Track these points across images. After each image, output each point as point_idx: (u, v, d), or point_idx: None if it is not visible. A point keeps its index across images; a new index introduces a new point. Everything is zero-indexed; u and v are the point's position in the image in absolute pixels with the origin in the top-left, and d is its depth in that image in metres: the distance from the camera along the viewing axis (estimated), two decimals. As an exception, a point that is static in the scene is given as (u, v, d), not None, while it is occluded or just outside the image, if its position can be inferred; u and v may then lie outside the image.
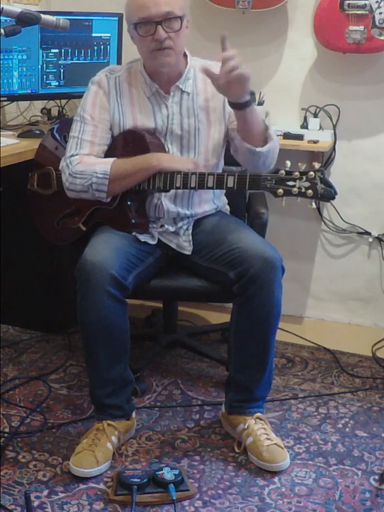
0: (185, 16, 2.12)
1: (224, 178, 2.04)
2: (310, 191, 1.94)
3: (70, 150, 2.19)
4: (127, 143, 2.19)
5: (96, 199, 2.17)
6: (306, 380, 2.59)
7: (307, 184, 1.94)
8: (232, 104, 2.05)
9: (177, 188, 2.10)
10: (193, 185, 2.07)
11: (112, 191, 2.14)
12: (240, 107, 2.04)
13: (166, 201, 2.23)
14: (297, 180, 1.95)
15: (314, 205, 2.01)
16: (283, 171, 1.96)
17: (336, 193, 1.95)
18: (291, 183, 1.95)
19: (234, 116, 2.15)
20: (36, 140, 2.51)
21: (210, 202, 2.34)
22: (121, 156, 2.16)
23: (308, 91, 2.90)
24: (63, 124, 2.51)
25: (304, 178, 1.94)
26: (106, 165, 2.12)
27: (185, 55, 2.22)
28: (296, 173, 1.94)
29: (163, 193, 2.21)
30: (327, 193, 1.94)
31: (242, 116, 2.07)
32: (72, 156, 2.18)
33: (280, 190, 1.96)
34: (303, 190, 1.94)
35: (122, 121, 2.21)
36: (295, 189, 1.95)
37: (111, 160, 2.14)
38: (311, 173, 1.93)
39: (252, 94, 2.79)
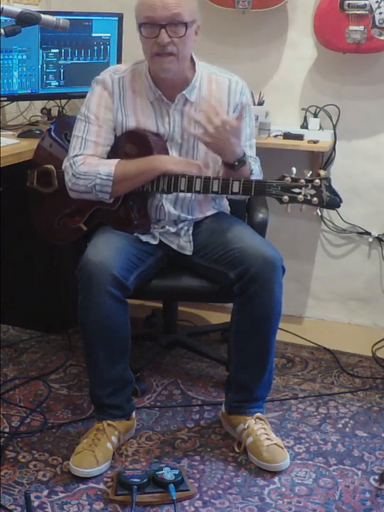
0: (195, 22, 2.09)
1: (229, 184, 2.03)
2: (315, 199, 1.93)
3: (74, 150, 2.18)
4: (131, 144, 2.17)
5: (99, 200, 2.16)
6: (306, 380, 2.59)
7: (313, 192, 1.94)
8: (224, 163, 2.08)
9: (181, 191, 2.09)
10: (197, 189, 2.06)
11: (115, 193, 2.13)
12: (229, 166, 2.07)
13: (167, 204, 2.23)
14: (303, 188, 1.94)
15: (319, 212, 2.00)
16: (289, 178, 1.95)
17: (341, 201, 1.94)
18: (296, 190, 1.95)
19: None
20: (36, 140, 2.51)
21: (210, 206, 2.34)
22: (125, 156, 2.15)
23: (308, 91, 2.90)
24: (61, 124, 2.51)
25: (310, 185, 1.93)
26: (110, 166, 2.12)
27: (192, 61, 2.19)
28: (302, 181, 1.94)
29: (165, 196, 2.20)
30: (332, 201, 1.94)
31: (229, 172, 2.09)
32: (76, 156, 2.17)
33: (285, 197, 1.96)
34: (308, 197, 1.94)
35: (125, 122, 2.20)
36: (301, 196, 1.94)
37: (115, 161, 2.13)
38: (317, 180, 1.93)
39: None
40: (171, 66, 2.08)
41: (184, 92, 2.17)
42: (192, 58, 2.19)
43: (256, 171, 2.19)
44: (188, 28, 2.05)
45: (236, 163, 2.05)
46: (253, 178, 2.12)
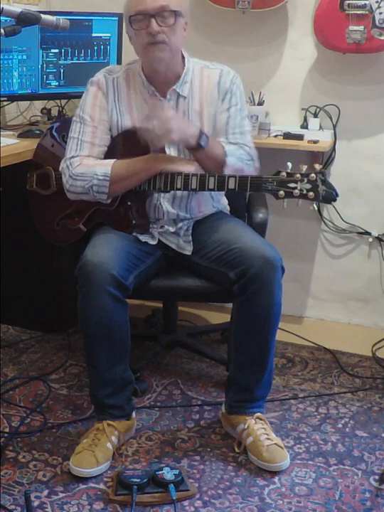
0: (184, 17, 2.11)
1: (225, 180, 2.04)
2: (311, 193, 1.94)
3: (70, 151, 2.19)
4: (127, 143, 2.18)
5: (96, 200, 2.17)
6: (306, 380, 2.59)
7: (308, 186, 1.94)
8: (189, 149, 2.09)
9: (177, 189, 2.10)
10: (193, 186, 2.07)
11: (112, 193, 2.14)
12: (194, 149, 2.07)
13: (165, 203, 2.23)
14: (298, 182, 1.94)
15: (315, 207, 2.01)
16: (284, 173, 1.96)
17: (337, 195, 1.94)
18: (292, 185, 1.95)
19: (221, 127, 2.20)
20: (36, 140, 2.51)
21: (209, 205, 2.34)
22: (122, 156, 2.16)
23: (308, 91, 2.90)
24: (61, 124, 2.50)
25: (306, 179, 1.94)
26: (106, 167, 2.12)
27: (183, 57, 2.21)
28: (298, 175, 1.94)
29: (162, 195, 2.21)
30: (328, 195, 1.94)
31: (194, 155, 2.10)
32: (73, 157, 2.17)
33: (281, 192, 1.96)
34: (304, 192, 1.94)
35: (120, 122, 2.21)
36: (296, 191, 1.95)
37: (111, 161, 2.14)
38: (313, 175, 1.93)
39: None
40: (163, 55, 2.10)
41: (175, 87, 2.18)
42: (182, 55, 2.20)
43: (234, 153, 2.15)
44: (177, 17, 2.08)
45: (200, 144, 2.05)
46: (229, 160, 2.11)
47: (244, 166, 2.16)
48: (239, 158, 2.16)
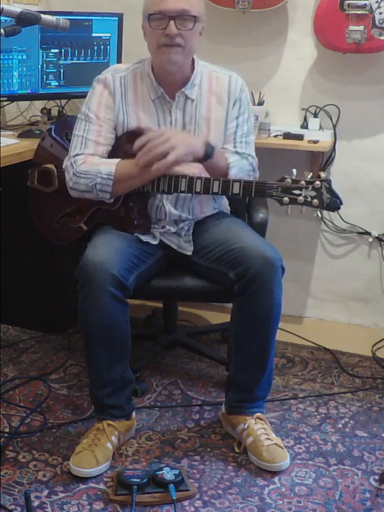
0: (201, 21, 2.12)
1: (230, 185, 2.04)
2: (316, 201, 1.93)
3: (74, 149, 2.19)
4: (131, 144, 2.16)
5: (99, 199, 2.16)
6: (306, 380, 2.59)
7: (313, 193, 1.94)
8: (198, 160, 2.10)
9: (182, 191, 2.09)
10: (198, 189, 2.07)
11: (116, 192, 2.13)
12: (203, 159, 2.09)
13: (167, 204, 2.23)
14: (303, 190, 1.94)
15: (319, 214, 2.01)
16: (289, 180, 1.95)
17: (341, 203, 1.94)
18: (297, 191, 1.95)
19: (229, 136, 2.22)
20: (36, 140, 2.51)
21: (210, 206, 2.35)
22: (126, 156, 2.15)
23: (308, 91, 2.90)
24: (61, 123, 2.51)
25: (310, 187, 1.94)
26: (111, 166, 2.12)
27: (192, 60, 2.21)
28: (303, 182, 1.94)
29: (165, 196, 2.21)
30: (333, 203, 1.94)
31: (205, 164, 2.11)
32: (77, 155, 2.17)
33: (286, 199, 1.96)
34: (309, 199, 1.94)
35: (126, 121, 2.20)
36: (301, 198, 1.94)
37: (116, 161, 2.13)
38: (318, 182, 1.92)
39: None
40: (177, 58, 2.10)
41: (184, 90, 2.19)
42: (192, 57, 2.20)
43: (237, 165, 2.18)
44: (196, 22, 2.09)
45: (208, 154, 2.08)
46: (231, 171, 2.14)
47: (245, 178, 2.16)
48: (241, 169, 2.19)
